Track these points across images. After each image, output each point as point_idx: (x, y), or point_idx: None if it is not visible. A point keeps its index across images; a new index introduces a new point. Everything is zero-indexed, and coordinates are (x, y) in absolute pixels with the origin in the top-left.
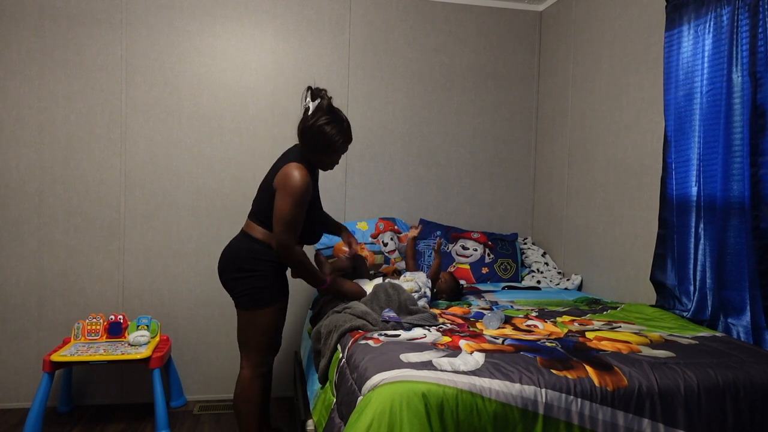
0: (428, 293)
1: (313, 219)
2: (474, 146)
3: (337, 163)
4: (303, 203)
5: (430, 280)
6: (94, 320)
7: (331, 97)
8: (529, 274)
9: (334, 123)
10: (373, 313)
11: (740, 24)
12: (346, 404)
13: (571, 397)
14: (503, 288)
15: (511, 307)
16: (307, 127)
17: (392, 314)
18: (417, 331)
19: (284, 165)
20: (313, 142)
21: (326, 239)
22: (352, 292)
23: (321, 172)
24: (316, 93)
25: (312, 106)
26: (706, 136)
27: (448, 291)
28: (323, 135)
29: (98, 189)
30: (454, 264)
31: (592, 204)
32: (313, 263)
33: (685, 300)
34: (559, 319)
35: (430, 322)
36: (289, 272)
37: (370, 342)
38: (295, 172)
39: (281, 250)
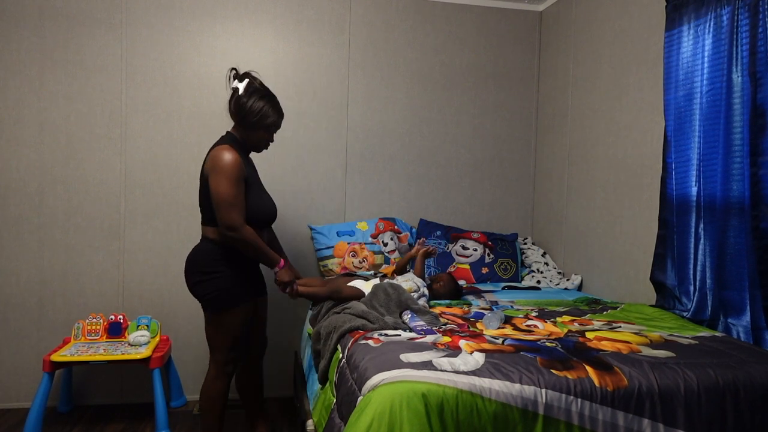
0: (427, 292)
1: (264, 200)
2: (474, 146)
3: (272, 141)
4: (238, 180)
5: (424, 281)
6: (94, 320)
7: (260, 78)
8: (529, 274)
9: (267, 99)
10: (374, 312)
11: (740, 24)
12: (346, 404)
13: (571, 397)
14: (503, 288)
15: (511, 307)
16: (240, 105)
17: (420, 322)
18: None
19: (210, 151)
20: (248, 120)
21: (326, 239)
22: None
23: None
24: (244, 75)
25: (241, 86)
26: (706, 136)
27: (447, 293)
28: (258, 111)
29: (98, 189)
30: (454, 264)
31: (592, 204)
32: (264, 245)
33: (685, 300)
34: (559, 319)
35: (434, 323)
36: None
37: (370, 342)
38: (222, 153)
39: (230, 232)
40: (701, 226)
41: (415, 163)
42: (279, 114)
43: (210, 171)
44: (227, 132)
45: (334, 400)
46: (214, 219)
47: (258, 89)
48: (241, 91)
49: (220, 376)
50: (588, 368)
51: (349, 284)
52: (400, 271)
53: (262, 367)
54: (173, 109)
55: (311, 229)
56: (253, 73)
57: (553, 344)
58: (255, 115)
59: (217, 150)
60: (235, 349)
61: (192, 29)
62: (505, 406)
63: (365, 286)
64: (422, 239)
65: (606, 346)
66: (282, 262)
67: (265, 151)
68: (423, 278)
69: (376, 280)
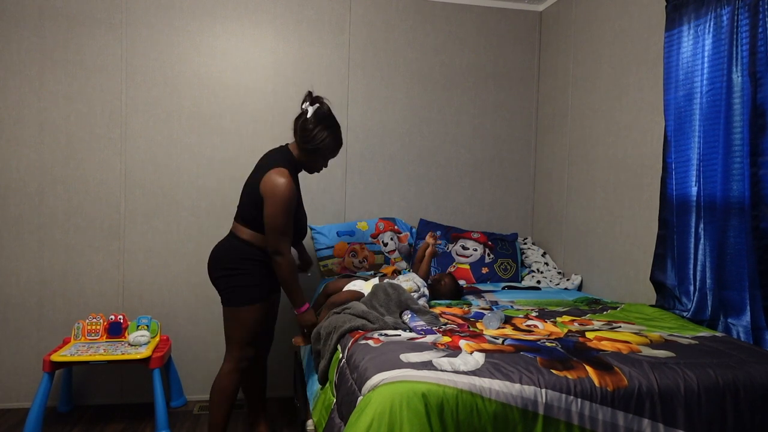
0: (427, 292)
1: (303, 216)
2: (474, 146)
3: (326, 166)
4: (291, 209)
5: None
6: (94, 320)
7: (328, 105)
8: (529, 274)
9: (331, 130)
10: (374, 312)
11: (740, 24)
12: (346, 404)
13: (571, 397)
14: (503, 288)
15: (511, 307)
16: (306, 129)
17: (420, 322)
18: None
19: (269, 170)
20: (311, 146)
21: (326, 239)
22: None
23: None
24: (316, 99)
25: (311, 110)
26: (706, 136)
27: (448, 294)
28: (321, 141)
29: (98, 189)
30: (454, 264)
31: (592, 204)
32: (297, 283)
33: (685, 300)
34: (559, 319)
35: (434, 323)
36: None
37: (370, 342)
38: (281, 180)
39: (276, 257)
40: (701, 226)
41: (415, 163)
42: (339, 145)
43: (267, 195)
44: (287, 146)
45: (334, 400)
46: (253, 222)
47: (326, 117)
48: (309, 115)
49: (235, 371)
50: (588, 368)
51: (347, 287)
52: (416, 267)
53: (267, 366)
54: (173, 109)
55: (311, 229)
56: (325, 100)
57: (553, 344)
58: (316, 143)
59: (275, 174)
60: (251, 345)
61: (192, 29)
62: (505, 406)
63: (365, 286)
64: (434, 235)
65: (606, 346)
66: (306, 306)
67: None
68: (428, 279)
69: (375, 280)
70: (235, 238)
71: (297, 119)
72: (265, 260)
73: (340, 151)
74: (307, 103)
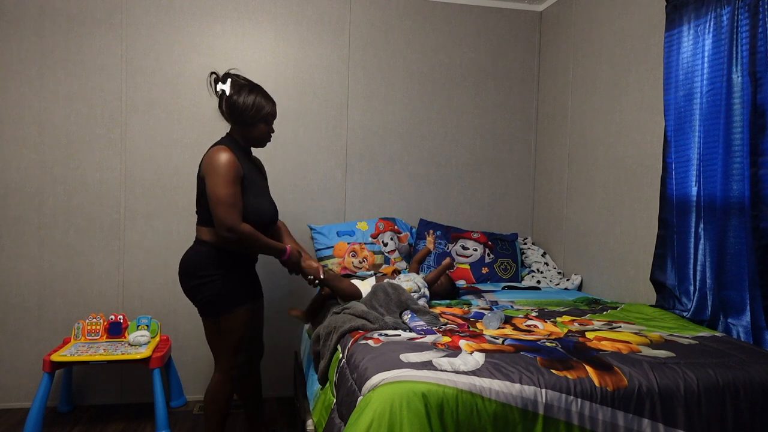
0: (427, 293)
1: (260, 202)
2: (474, 146)
3: (273, 131)
4: (234, 180)
5: (425, 281)
6: (94, 320)
7: (243, 75)
8: (529, 274)
9: (256, 91)
10: (373, 312)
11: (740, 24)
12: (346, 404)
13: (571, 397)
14: (503, 288)
15: (511, 307)
16: (232, 104)
17: (420, 322)
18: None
19: (206, 152)
20: (245, 116)
21: (326, 239)
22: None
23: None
24: (225, 76)
25: (227, 87)
26: (706, 136)
27: (443, 293)
28: (252, 106)
29: (98, 189)
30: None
31: (592, 204)
32: (265, 237)
33: (685, 300)
34: (559, 319)
35: (434, 323)
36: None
37: (370, 342)
38: (217, 153)
39: (228, 233)
40: (701, 226)
41: (415, 163)
42: (272, 102)
43: (206, 173)
44: (226, 134)
45: (334, 400)
46: (209, 220)
47: (244, 85)
48: (228, 92)
49: (226, 381)
50: (588, 368)
51: None
52: (416, 270)
53: (260, 371)
54: (173, 109)
55: (311, 229)
56: (233, 71)
57: (553, 344)
58: (250, 110)
59: (212, 151)
60: (239, 353)
61: (192, 29)
62: (505, 406)
63: (362, 286)
64: (431, 233)
65: (606, 346)
66: (288, 248)
67: (263, 149)
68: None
69: (372, 280)
70: (197, 243)
71: (220, 103)
72: (235, 264)
73: (340, 150)
74: (219, 84)
